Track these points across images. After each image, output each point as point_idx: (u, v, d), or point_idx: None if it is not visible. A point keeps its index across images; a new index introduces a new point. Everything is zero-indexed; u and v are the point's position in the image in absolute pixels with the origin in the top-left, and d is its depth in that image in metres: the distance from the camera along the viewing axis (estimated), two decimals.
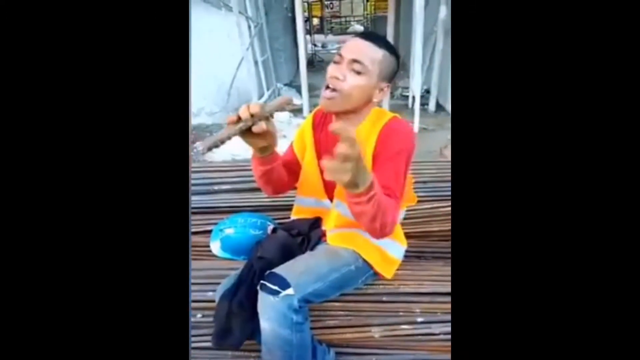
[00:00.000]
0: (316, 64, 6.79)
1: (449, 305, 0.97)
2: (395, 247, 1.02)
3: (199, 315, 1.05)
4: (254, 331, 0.89)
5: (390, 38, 3.87)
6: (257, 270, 0.92)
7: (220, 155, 3.43)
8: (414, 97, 3.87)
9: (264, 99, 3.91)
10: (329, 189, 0.98)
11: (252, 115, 0.68)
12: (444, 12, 3.70)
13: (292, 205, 1.11)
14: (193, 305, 1.10)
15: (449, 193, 1.36)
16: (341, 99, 0.83)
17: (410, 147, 0.86)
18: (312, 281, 0.87)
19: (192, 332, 1.07)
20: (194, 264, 1.23)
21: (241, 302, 0.90)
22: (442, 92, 4.19)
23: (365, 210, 0.68)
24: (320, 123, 0.99)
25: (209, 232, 1.35)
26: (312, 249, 1.01)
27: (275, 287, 0.83)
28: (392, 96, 4.27)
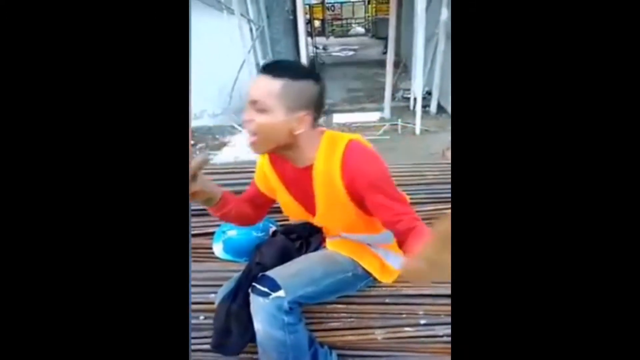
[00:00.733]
0: (317, 67, 6.80)
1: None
2: (393, 258, 1.01)
3: (201, 317, 1.05)
4: (254, 335, 0.89)
5: (391, 40, 3.87)
6: (255, 275, 0.91)
7: (221, 157, 3.44)
8: (415, 99, 3.87)
9: None
10: (312, 209, 0.95)
11: None
12: (445, 14, 3.71)
13: None
14: (195, 307, 1.09)
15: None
16: (260, 140, 0.79)
17: (383, 168, 0.83)
18: (304, 285, 0.87)
19: (194, 334, 1.06)
20: (195, 266, 1.23)
21: (240, 308, 0.90)
22: (444, 94, 4.19)
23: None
24: (275, 157, 0.93)
25: (210, 234, 1.35)
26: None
27: (265, 289, 0.84)
28: (393, 98, 4.27)
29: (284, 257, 0.97)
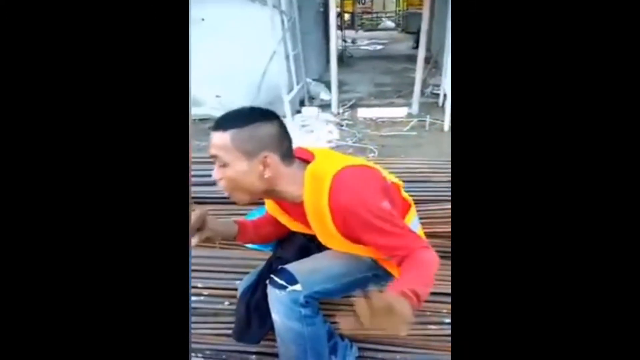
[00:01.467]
0: (345, 60, 6.75)
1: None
2: None
3: (226, 303, 1.07)
4: (273, 326, 0.90)
5: (423, 34, 3.79)
6: (275, 269, 0.92)
7: None
8: (445, 95, 3.79)
9: (293, 93, 3.92)
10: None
11: None
12: None
13: None
14: (220, 292, 1.12)
15: None
16: (235, 193, 0.79)
17: (376, 198, 0.77)
18: (322, 281, 0.87)
19: (218, 319, 1.09)
20: (222, 253, 1.26)
21: (260, 300, 0.92)
22: None
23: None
24: None
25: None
26: None
27: (283, 282, 0.84)
28: (422, 94, 4.19)
29: (303, 253, 0.97)
